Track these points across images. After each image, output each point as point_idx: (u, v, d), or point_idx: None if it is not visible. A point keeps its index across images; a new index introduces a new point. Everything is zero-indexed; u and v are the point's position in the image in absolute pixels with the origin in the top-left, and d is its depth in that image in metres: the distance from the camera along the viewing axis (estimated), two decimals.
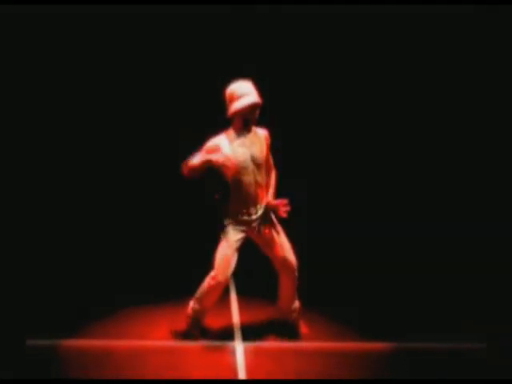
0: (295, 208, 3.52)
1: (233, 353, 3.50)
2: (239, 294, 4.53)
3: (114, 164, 5.99)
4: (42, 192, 5.82)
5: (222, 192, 3.52)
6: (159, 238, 5.78)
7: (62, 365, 3.36)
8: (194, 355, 3.50)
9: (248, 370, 3.27)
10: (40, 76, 5.71)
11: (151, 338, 3.72)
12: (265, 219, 3.51)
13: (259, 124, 3.51)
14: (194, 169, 3.41)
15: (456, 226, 5.62)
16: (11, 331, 3.74)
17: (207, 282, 3.54)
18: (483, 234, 5.48)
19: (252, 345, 3.62)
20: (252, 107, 3.35)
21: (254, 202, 3.47)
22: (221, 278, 3.46)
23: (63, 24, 5.59)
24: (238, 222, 3.49)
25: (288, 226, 3.62)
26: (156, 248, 5.64)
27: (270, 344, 3.66)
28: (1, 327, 3.78)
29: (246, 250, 3.60)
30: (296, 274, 3.59)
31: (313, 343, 3.66)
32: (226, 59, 5.51)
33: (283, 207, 3.44)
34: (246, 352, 3.50)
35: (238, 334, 3.76)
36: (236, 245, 3.49)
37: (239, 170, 3.39)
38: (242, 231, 3.50)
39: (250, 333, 3.77)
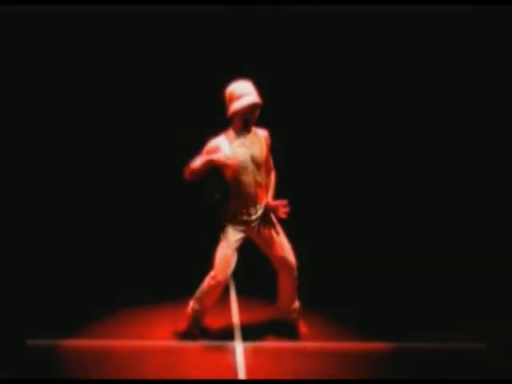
0: (295, 208, 3.53)
1: (233, 353, 3.50)
2: (239, 294, 4.53)
3: (113, 164, 5.99)
4: (42, 192, 5.82)
5: (222, 192, 3.52)
6: (159, 238, 5.78)
7: (62, 365, 3.36)
8: (194, 355, 3.50)
9: (248, 369, 3.26)
10: (40, 76, 5.71)
11: (151, 337, 3.72)
12: (264, 219, 3.51)
13: (259, 124, 3.51)
14: (196, 171, 3.40)
15: (456, 226, 5.63)
16: (11, 331, 3.74)
17: (207, 281, 3.54)
18: (483, 234, 5.48)
19: (252, 345, 3.62)
20: (252, 107, 3.35)
21: (254, 202, 3.47)
22: (220, 277, 3.46)
23: (63, 24, 5.60)
24: (237, 222, 3.49)
25: (288, 226, 3.62)
26: (156, 248, 5.64)
27: (270, 344, 3.66)
28: (1, 327, 3.78)
29: (246, 250, 3.61)
30: (296, 274, 3.59)
31: (312, 343, 3.66)
32: (226, 59, 5.51)
33: (283, 208, 3.44)
34: (246, 352, 3.50)
35: (237, 334, 3.76)
36: (236, 244, 3.49)
37: (239, 170, 3.39)
38: (242, 231, 3.51)
39: (250, 333, 3.77)
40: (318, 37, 5.82)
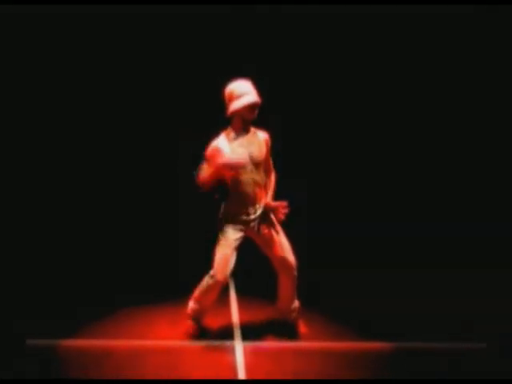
0: (295, 208, 3.53)
1: (232, 352, 3.50)
2: (239, 293, 4.54)
3: (113, 164, 5.99)
4: (42, 193, 5.82)
5: (221, 192, 3.52)
6: (159, 238, 5.78)
7: (62, 365, 3.36)
8: (194, 355, 3.50)
9: (247, 369, 3.26)
10: (40, 76, 5.71)
11: (151, 337, 3.72)
12: (264, 219, 3.51)
13: (259, 124, 3.51)
14: (208, 183, 3.41)
15: (456, 226, 5.63)
16: (11, 331, 3.74)
17: (206, 281, 3.54)
18: (483, 234, 5.48)
19: (251, 344, 3.61)
20: (251, 107, 3.35)
21: (253, 201, 3.47)
22: (219, 276, 3.46)
23: (63, 24, 5.60)
24: (236, 222, 3.49)
25: (288, 226, 3.61)
26: (156, 248, 5.64)
27: (270, 344, 3.66)
28: (1, 327, 3.78)
29: (246, 249, 3.61)
30: (295, 273, 3.59)
31: (312, 343, 3.66)
32: (226, 59, 5.51)
33: (282, 209, 3.44)
34: (246, 352, 3.50)
35: (237, 334, 3.76)
36: (235, 244, 3.49)
37: (238, 170, 3.39)
38: (241, 230, 3.51)
39: (250, 333, 3.77)
40: (317, 37, 5.81)
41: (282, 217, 3.45)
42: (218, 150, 3.38)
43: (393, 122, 6.01)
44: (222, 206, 3.56)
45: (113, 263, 5.31)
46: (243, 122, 3.40)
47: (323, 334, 3.81)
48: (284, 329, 3.76)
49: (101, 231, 5.81)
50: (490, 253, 5.25)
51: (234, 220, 3.49)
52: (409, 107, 6.00)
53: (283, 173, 3.74)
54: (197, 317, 3.70)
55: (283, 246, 3.55)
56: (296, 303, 3.73)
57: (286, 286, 3.64)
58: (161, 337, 3.73)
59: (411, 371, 3.31)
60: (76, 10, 5.38)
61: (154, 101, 5.91)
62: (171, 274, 5.02)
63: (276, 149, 3.63)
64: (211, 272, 3.51)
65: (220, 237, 3.51)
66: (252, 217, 3.49)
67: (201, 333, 3.71)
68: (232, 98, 3.35)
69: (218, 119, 3.55)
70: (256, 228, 3.51)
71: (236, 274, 3.66)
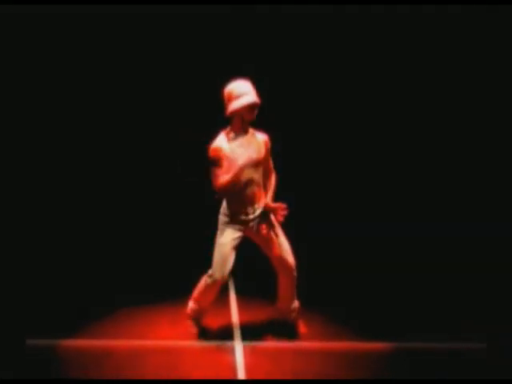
0: (295, 208, 3.52)
1: (232, 353, 3.50)
2: (239, 293, 4.53)
3: (113, 164, 6.00)
4: (42, 193, 5.83)
5: None
6: (158, 238, 5.78)
7: (62, 365, 3.36)
8: (194, 355, 3.50)
9: (247, 369, 3.26)
10: (40, 76, 5.72)
11: (151, 337, 3.72)
12: (263, 219, 3.50)
13: (258, 124, 3.51)
14: (231, 184, 3.32)
15: (456, 226, 5.63)
16: (11, 331, 3.74)
17: (204, 280, 3.55)
18: (483, 234, 5.48)
19: (251, 345, 3.61)
20: (250, 107, 3.35)
21: (252, 201, 3.47)
22: (218, 276, 3.46)
23: (63, 24, 5.61)
24: (235, 221, 3.49)
25: (288, 226, 3.61)
26: (155, 248, 5.64)
27: (270, 344, 3.66)
28: (1, 327, 3.78)
29: (246, 250, 3.61)
30: (295, 273, 3.59)
31: (312, 343, 3.66)
32: (226, 59, 5.51)
33: (282, 211, 3.43)
34: (246, 352, 3.50)
35: (237, 334, 3.76)
36: (233, 243, 3.48)
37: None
38: (240, 230, 3.50)
39: (250, 333, 3.77)
40: (317, 37, 5.82)
41: (281, 219, 3.44)
42: (218, 149, 3.38)
43: (392, 122, 6.02)
44: (221, 205, 3.55)
45: (113, 263, 5.31)
46: (243, 122, 3.40)
47: (323, 334, 3.80)
48: (284, 329, 3.76)
49: (101, 231, 5.82)
50: (490, 253, 5.24)
51: (232, 220, 3.49)
52: (408, 107, 6.01)
53: (283, 173, 3.74)
54: (196, 317, 3.70)
55: (282, 246, 3.55)
56: (296, 303, 3.73)
57: (285, 286, 3.63)
58: (161, 337, 3.73)
59: (411, 371, 3.31)
60: (76, 10, 5.39)
61: (153, 101, 5.92)
62: (171, 274, 5.02)
63: (276, 149, 3.63)
64: (209, 271, 3.51)
65: (219, 236, 3.51)
66: (251, 217, 3.49)
67: (201, 333, 3.71)
68: (231, 98, 3.35)
69: (218, 119, 3.55)
70: (255, 228, 3.51)
71: (236, 273, 3.66)
